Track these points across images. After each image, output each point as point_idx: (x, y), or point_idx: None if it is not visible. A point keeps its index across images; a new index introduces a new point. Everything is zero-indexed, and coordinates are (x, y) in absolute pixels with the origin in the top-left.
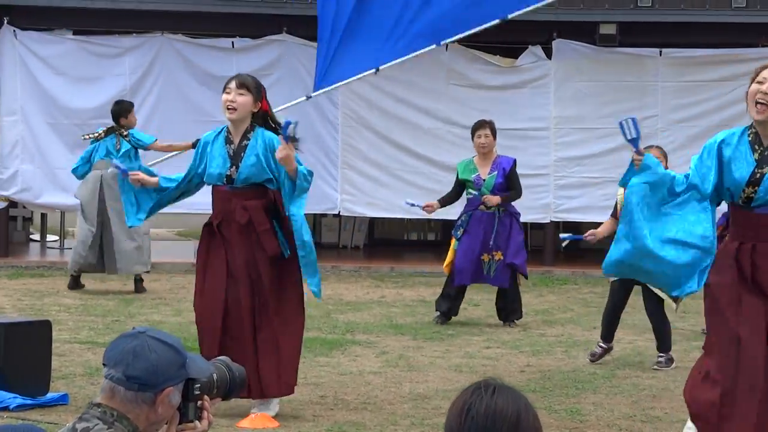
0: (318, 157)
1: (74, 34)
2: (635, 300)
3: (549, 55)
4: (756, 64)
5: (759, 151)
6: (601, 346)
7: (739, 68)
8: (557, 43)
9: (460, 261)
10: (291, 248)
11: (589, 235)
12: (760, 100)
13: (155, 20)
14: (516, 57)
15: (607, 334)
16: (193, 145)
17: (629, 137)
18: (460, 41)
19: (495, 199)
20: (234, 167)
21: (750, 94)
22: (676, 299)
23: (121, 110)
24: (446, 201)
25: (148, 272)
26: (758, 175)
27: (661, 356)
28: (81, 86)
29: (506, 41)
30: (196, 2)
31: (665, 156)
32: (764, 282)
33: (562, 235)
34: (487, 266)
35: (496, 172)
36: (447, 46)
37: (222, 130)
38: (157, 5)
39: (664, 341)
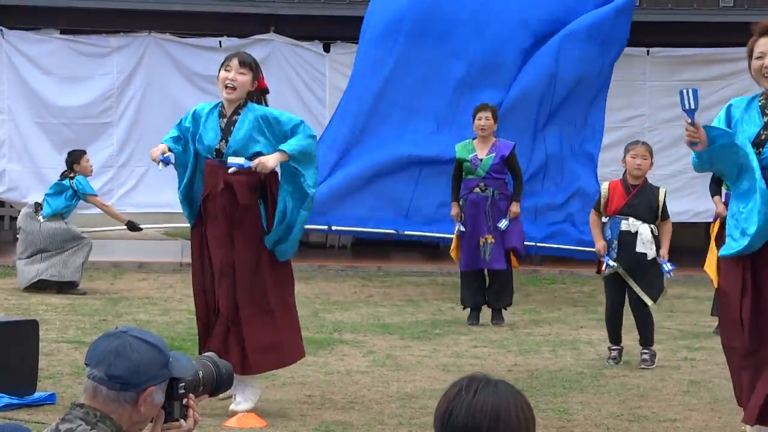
0: None
1: (61, 33)
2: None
3: None
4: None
5: None
6: (613, 350)
7: (727, 68)
8: None
9: (463, 247)
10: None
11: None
12: (765, 73)
13: (142, 19)
14: None
15: (615, 338)
16: (128, 225)
17: (687, 107)
18: None
19: (515, 210)
20: (224, 141)
21: (755, 70)
22: (656, 297)
23: (74, 158)
24: (457, 194)
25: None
26: (763, 136)
27: (644, 352)
28: (68, 85)
29: None
30: (183, 1)
31: (651, 153)
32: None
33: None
34: (483, 250)
35: (493, 155)
36: None
37: (218, 105)
38: (145, 4)
39: (647, 335)
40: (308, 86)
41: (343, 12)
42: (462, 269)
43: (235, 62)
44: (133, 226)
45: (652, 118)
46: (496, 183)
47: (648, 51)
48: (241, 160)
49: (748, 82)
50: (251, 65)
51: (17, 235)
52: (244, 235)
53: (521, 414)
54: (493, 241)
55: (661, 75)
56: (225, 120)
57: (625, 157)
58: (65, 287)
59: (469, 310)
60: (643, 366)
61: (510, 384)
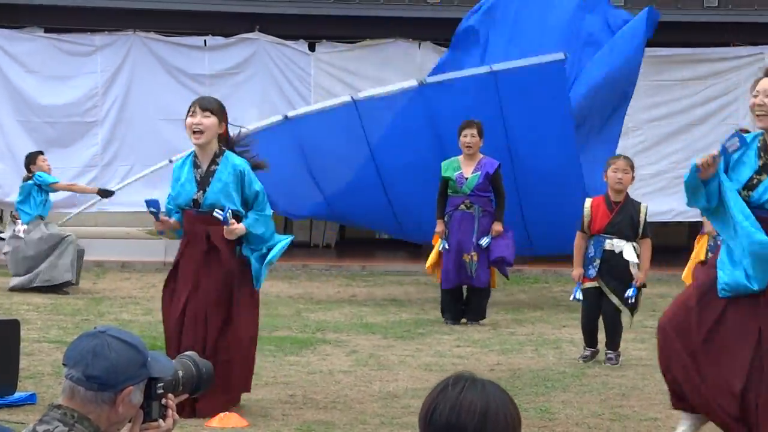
0: None
1: (45, 31)
2: None
3: None
4: (727, 64)
5: (764, 158)
6: (588, 349)
7: (710, 67)
8: None
9: (446, 264)
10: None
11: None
12: (758, 112)
13: (127, 18)
14: None
15: (591, 342)
16: (100, 193)
17: (727, 150)
18: (432, 39)
19: (498, 228)
20: (201, 191)
21: (749, 107)
22: (632, 310)
23: (30, 160)
24: (442, 212)
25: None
26: (755, 180)
27: (609, 353)
28: (52, 84)
29: None
30: (168, 0)
31: (632, 167)
32: None
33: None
34: (469, 267)
35: (479, 173)
36: (420, 44)
37: (190, 155)
38: (129, 3)
39: (614, 340)
40: (293, 85)
41: (328, 11)
42: (444, 287)
43: (197, 107)
44: (105, 193)
45: (635, 117)
46: (480, 201)
47: None
48: (222, 216)
49: (733, 81)
50: (213, 109)
51: None
52: (217, 277)
53: (509, 415)
54: (477, 258)
55: (645, 74)
56: (201, 170)
57: (606, 171)
58: (60, 288)
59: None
60: (608, 364)
61: (497, 384)
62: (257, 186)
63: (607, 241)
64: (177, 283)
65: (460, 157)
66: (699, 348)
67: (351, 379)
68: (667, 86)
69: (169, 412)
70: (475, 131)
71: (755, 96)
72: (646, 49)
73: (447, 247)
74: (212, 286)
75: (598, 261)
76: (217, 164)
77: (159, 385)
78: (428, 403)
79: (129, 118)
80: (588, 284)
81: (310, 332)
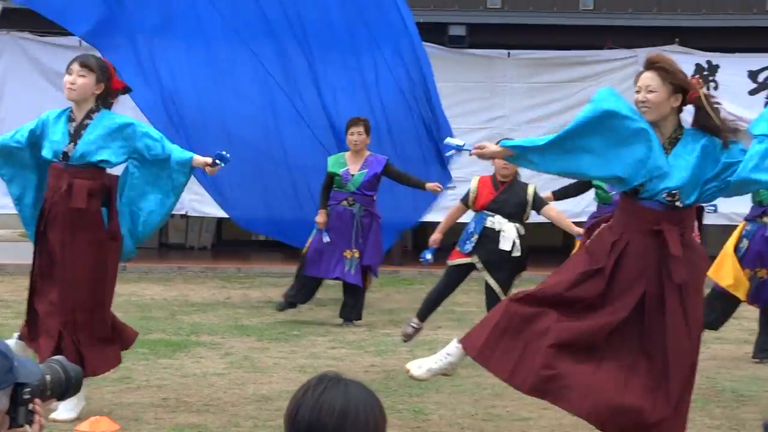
0: None
1: None
2: (479, 299)
3: None
4: (602, 66)
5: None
6: (413, 326)
7: (586, 70)
8: None
9: (312, 252)
10: (114, 233)
11: (433, 243)
12: (642, 108)
13: (1, 19)
14: None
15: (424, 315)
16: None
17: (451, 152)
18: None
19: (431, 186)
20: (72, 143)
21: (634, 104)
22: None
23: None
24: (325, 203)
25: None
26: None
27: None
28: None
29: None
30: None
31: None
32: (627, 267)
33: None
34: (349, 263)
35: (365, 170)
36: None
37: (67, 110)
38: (2, 2)
39: None
40: None
41: None
42: (309, 273)
43: (75, 65)
44: None
45: (513, 119)
46: (364, 200)
47: (509, 53)
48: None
49: (607, 84)
50: (92, 67)
51: None
52: (83, 239)
53: (371, 414)
54: (358, 256)
55: (522, 77)
56: (75, 124)
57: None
58: None
59: (283, 300)
60: None
61: (361, 384)
62: (151, 133)
63: (489, 218)
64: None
65: (347, 154)
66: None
67: (225, 381)
68: (544, 88)
69: (36, 417)
70: (362, 128)
71: (638, 92)
72: (524, 51)
73: (328, 239)
74: (79, 249)
75: (476, 237)
76: (92, 119)
77: (26, 390)
78: (292, 404)
79: (2, 119)
80: (460, 260)
81: (184, 335)
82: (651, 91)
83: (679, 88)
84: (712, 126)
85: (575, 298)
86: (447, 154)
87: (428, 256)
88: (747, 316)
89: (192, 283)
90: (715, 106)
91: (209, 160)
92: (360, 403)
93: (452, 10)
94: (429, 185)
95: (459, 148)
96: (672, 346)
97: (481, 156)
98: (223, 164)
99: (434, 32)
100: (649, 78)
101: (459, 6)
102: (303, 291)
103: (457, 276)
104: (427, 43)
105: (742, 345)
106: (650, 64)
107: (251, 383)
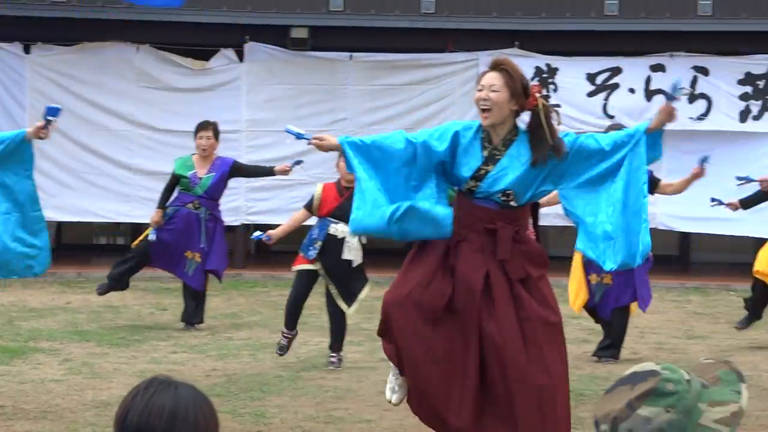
0: None
1: None
2: (322, 302)
3: (241, 58)
4: (443, 69)
5: (488, 149)
6: (285, 336)
7: (428, 72)
8: (249, 46)
9: (158, 245)
10: None
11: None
12: (482, 106)
13: None
14: (207, 59)
15: (292, 324)
16: None
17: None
18: (151, 42)
19: (281, 168)
20: None
21: (475, 101)
22: (350, 305)
23: None
24: (164, 202)
25: None
26: (482, 171)
27: (333, 356)
28: None
29: (198, 44)
30: None
31: None
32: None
33: (253, 235)
34: (188, 264)
35: (213, 174)
36: (138, 47)
37: None
38: None
39: (339, 342)
40: (7, 89)
41: (44, 13)
42: (155, 264)
43: None
44: None
45: (355, 121)
46: (209, 204)
47: (351, 56)
48: None
49: (448, 86)
50: None
51: None
52: None
53: (201, 416)
54: (199, 260)
55: (364, 79)
56: None
57: (338, 162)
58: None
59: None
60: (331, 367)
61: (192, 386)
62: None
63: (332, 225)
64: None
65: (195, 157)
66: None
67: (63, 388)
68: (386, 91)
69: None
70: (210, 133)
71: (480, 90)
72: (366, 54)
73: (155, 238)
74: None
75: (319, 243)
76: None
77: None
78: (121, 408)
79: None
80: (305, 265)
81: (22, 341)
82: (494, 91)
83: (520, 93)
84: (544, 140)
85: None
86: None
87: (258, 234)
88: (586, 316)
89: (31, 288)
90: (553, 114)
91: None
92: (190, 405)
93: (294, 13)
94: (277, 168)
95: (299, 136)
96: (503, 345)
97: (319, 147)
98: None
99: (277, 34)
100: (494, 78)
101: (301, 8)
102: (127, 276)
103: (306, 281)
104: (270, 46)
105: (581, 345)
106: (495, 65)
107: (90, 389)
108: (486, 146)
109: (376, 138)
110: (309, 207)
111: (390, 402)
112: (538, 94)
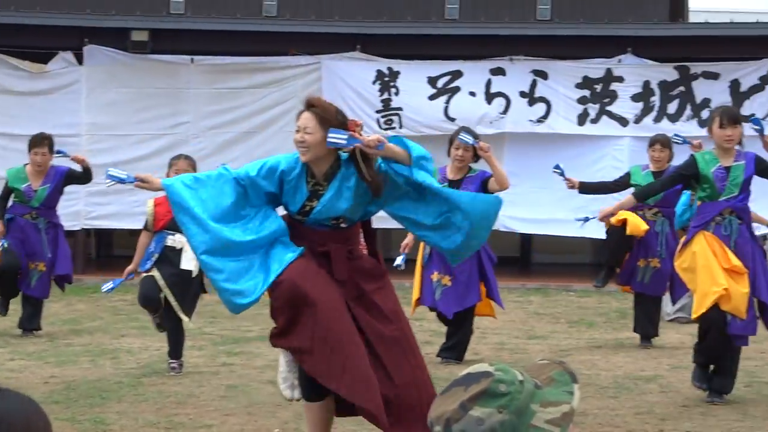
0: None
1: None
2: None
3: (80, 61)
4: (285, 72)
5: (312, 183)
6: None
7: (269, 76)
8: (88, 49)
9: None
10: None
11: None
12: (299, 147)
13: None
14: (46, 62)
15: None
16: None
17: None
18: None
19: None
20: None
21: (294, 141)
22: (188, 315)
23: None
24: (2, 213)
25: None
26: (307, 207)
27: (173, 362)
28: None
29: (36, 46)
30: None
31: (194, 167)
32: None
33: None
34: (31, 275)
35: (48, 185)
36: None
37: None
38: None
39: (177, 349)
40: None
41: None
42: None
43: None
44: None
45: (196, 125)
46: (48, 214)
47: (192, 59)
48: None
49: (290, 90)
50: None
51: None
52: None
53: (32, 423)
54: (43, 269)
55: (205, 83)
56: None
57: (168, 172)
58: None
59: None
60: (172, 373)
61: (20, 393)
62: None
63: (169, 237)
64: None
65: (28, 168)
66: None
67: None
68: (227, 95)
69: None
70: (46, 149)
71: (297, 131)
72: (208, 57)
73: (6, 246)
74: None
75: (156, 256)
76: None
77: None
78: None
79: None
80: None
81: None
82: (308, 133)
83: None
84: (361, 173)
85: None
86: (108, 185)
87: (110, 284)
88: (428, 317)
89: None
90: (372, 154)
91: None
92: (15, 412)
93: (134, 15)
94: (74, 155)
95: (122, 181)
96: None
97: (144, 188)
98: None
99: (116, 37)
100: (307, 119)
101: (141, 11)
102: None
103: (149, 284)
104: (110, 49)
105: (424, 346)
106: (308, 106)
107: None
108: (309, 180)
109: (200, 176)
110: (146, 227)
111: (291, 400)
112: (357, 129)
